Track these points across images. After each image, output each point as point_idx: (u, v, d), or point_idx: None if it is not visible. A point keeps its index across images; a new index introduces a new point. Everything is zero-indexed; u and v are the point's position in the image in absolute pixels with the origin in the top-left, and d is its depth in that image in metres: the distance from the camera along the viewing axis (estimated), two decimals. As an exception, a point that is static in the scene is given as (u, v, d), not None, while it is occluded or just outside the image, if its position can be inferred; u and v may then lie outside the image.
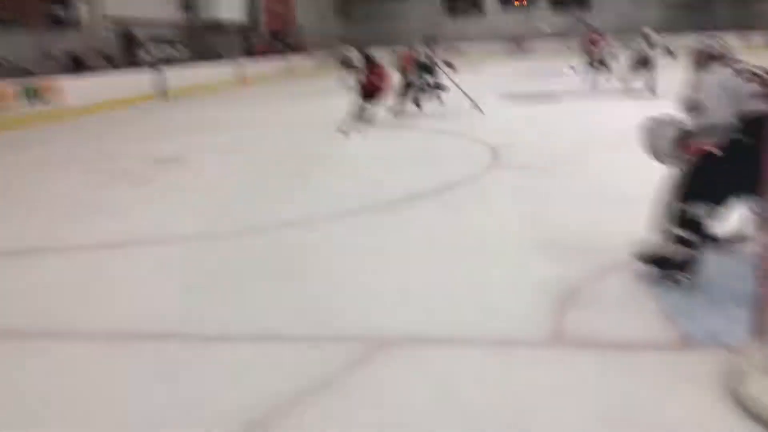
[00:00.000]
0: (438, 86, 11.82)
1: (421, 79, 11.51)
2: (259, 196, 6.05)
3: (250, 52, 26.35)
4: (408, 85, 11.50)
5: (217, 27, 25.22)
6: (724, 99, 3.11)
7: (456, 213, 5.08)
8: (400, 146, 8.47)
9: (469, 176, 6.29)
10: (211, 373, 2.78)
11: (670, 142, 3.30)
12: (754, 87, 3.10)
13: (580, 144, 7.76)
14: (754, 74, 3.16)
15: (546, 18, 37.69)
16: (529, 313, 3.15)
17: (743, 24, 29.54)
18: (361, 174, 6.80)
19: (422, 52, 11.62)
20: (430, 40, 12.16)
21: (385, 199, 5.56)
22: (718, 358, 2.58)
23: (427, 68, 11.58)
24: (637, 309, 3.11)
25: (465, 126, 9.62)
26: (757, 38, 27.12)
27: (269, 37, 29.34)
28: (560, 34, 36.38)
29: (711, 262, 3.42)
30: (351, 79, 9.99)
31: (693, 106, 3.22)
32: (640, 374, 2.59)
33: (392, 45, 36.72)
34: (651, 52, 12.56)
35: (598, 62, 16.28)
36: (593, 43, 18.62)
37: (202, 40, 23.75)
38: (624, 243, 3.62)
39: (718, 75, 3.24)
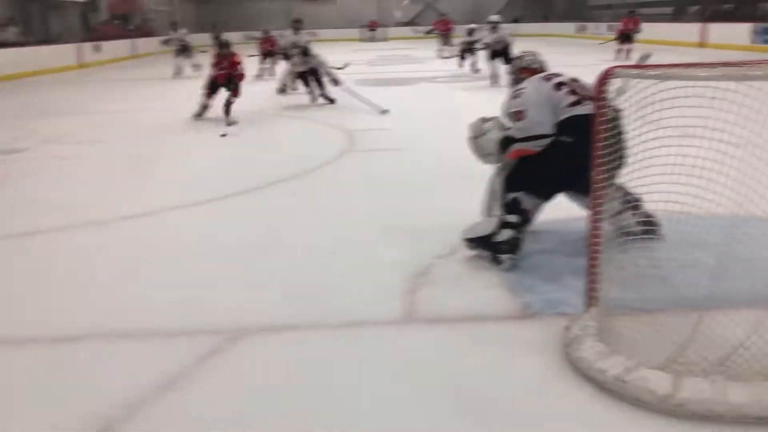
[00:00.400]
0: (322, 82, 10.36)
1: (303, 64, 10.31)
2: (101, 188, 5.69)
3: (91, 34, 24.64)
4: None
5: (54, 6, 23.34)
6: (544, 109, 3.38)
7: (307, 198, 5.07)
8: (255, 134, 8.29)
9: (323, 162, 6.28)
10: (59, 375, 2.60)
11: (494, 145, 3.54)
12: (570, 97, 3.39)
13: (433, 127, 7.99)
14: (567, 84, 3.46)
15: (398, 4, 38.42)
16: (380, 294, 3.19)
17: (579, 15, 31.76)
18: (210, 164, 6.60)
19: (290, 39, 10.70)
20: (298, 25, 10.88)
21: (232, 187, 5.42)
22: (557, 326, 2.75)
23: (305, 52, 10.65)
24: (482, 284, 3.24)
25: (323, 112, 9.58)
26: (591, 27, 29.19)
27: (111, 19, 27.59)
28: (412, 22, 37.28)
29: (550, 238, 3.64)
30: (189, 66, 9.70)
31: (515, 117, 3.44)
32: (487, 345, 2.70)
33: (248, 29, 35.93)
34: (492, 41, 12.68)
35: (449, 47, 17.13)
36: (445, 28, 19.40)
37: (37, 20, 21.91)
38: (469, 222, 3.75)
39: (536, 86, 3.50)
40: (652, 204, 2.89)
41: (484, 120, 3.70)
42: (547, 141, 3.34)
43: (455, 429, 2.18)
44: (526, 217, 3.42)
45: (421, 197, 4.90)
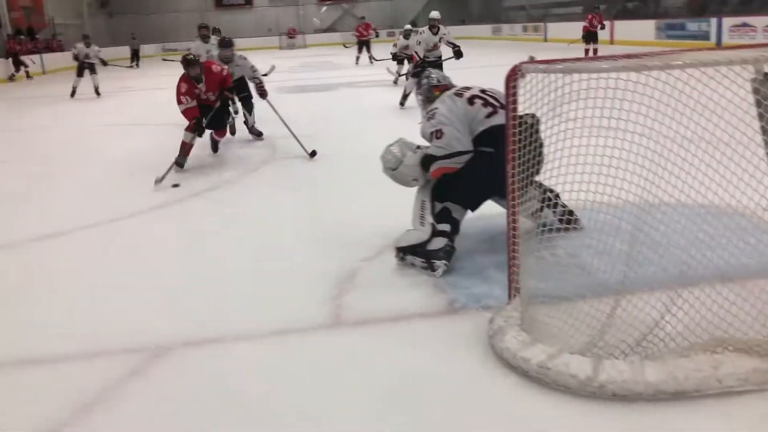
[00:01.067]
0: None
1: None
2: (4, 209, 5.43)
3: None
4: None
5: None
6: (461, 125, 3.42)
7: (229, 209, 4.99)
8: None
9: (244, 171, 6.19)
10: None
11: (414, 169, 3.55)
12: (485, 109, 3.45)
13: (354, 132, 7.99)
14: (480, 97, 3.51)
15: (315, 12, 38.37)
16: (306, 301, 3.17)
17: (494, 18, 32.49)
18: (124, 178, 6.38)
19: (199, 49, 8.47)
20: (206, 32, 9.35)
21: (150, 201, 5.28)
22: (482, 319, 2.79)
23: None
24: (408, 284, 3.27)
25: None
26: (506, 29, 29.95)
27: (16, 34, 26.36)
28: (331, 28, 37.30)
29: (473, 235, 3.70)
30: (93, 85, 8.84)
31: (434, 136, 3.45)
32: (415, 343, 2.72)
33: (165, 41, 34.90)
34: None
35: (366, 48, 17.24)
36: (362, 33, 19.53)
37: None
38: (398, 225, 3.74)
39: (449, 104, 3.52)
40: (567, 195, 2.98)
41: (390, 146, 3.69)
42: (467, 157, 3.38)
43: (387, 426, 2.18)
44: (456, 226, 3.45)
45: (344, 202, 4.89)
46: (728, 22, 15.86)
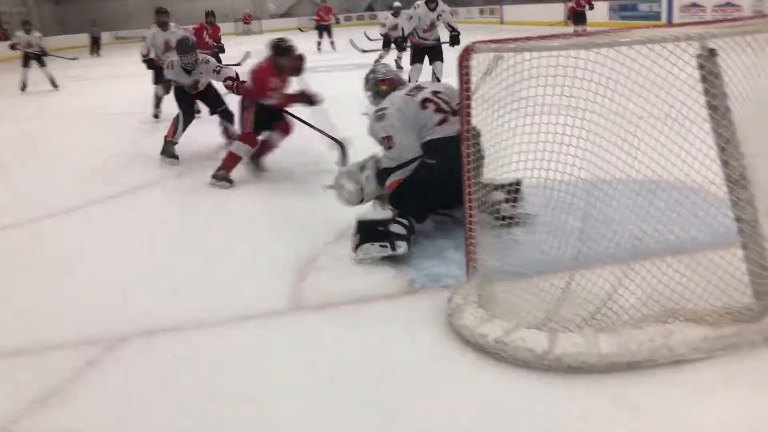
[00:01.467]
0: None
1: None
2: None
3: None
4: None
5: None
6: (411, 131, 3.40)
7: (188, 198, 4.92)
8: (116, 139, 7.93)
9: (207, 160, 6.10)
10: None
11: (375, 188, 3.56)
12: (437, 115, 3.42)
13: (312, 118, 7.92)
14: (432, 100, 3.46)
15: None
16: (268, 286, 3.15)
17: (452, 1, 32.38)
18: (84, 168, 6.24)
19: (158, 38, 7.98)
20: (164, 17, 8.10)
21: (109, 190, 5.17)
22: (441, 298, 2.81)
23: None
24: (369, 266, 3.26)
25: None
26: (462, 12, 29.96)
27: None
28: (287, 13, 36.88)
29: (432, 218, 3.72)
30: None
31: (385, 144, 3.44)
32: (376, 324, 2.74)
33: (117, 29, 33.94)
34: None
35: (327, 33, 17.00)
36: (322, 18, 19.22)
37: None
38: (359, 210, 3.70)
39: (400, 105, 3.47)
40: (521, 173, 3.01)
41: (340, 184, 3.66)
42: (416, 163, 3.38)
43: (349, 406, 2.19)
44: (412, 228, 3.39)
45: (303, 188, 4.84)
46: (679, 2, 16.16)
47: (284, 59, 4.97)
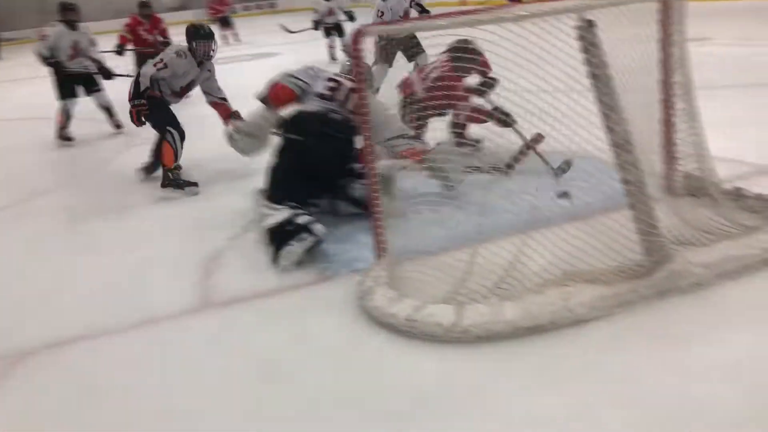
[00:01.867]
0: None
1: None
2: None
3: None
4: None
5: None
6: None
7: (86, 203, 4.72)
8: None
9: (102, 163, 5.87)
10: None
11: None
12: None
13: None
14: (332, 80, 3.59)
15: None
16: (174, 286, 3.09)
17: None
18: None
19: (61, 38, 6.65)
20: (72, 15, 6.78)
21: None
22: (354, 283, 2.82)
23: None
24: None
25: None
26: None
27: None
28: (184, 6, 35.75)
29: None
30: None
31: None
32: (288, 314, 2.73)
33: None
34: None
35: (220, 22, 16.33)
36: (217, 10, 18.55)
37: None
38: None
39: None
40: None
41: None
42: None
43: (265, 398, 2.18)
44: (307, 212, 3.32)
45: (203, 184, 4.68)
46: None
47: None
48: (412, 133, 3.50)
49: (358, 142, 3.10)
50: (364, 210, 3.08)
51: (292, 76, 3.66)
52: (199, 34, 4.80)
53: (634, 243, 2.55)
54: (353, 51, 2.68)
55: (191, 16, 31.24)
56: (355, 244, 3.27)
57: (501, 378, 2.14)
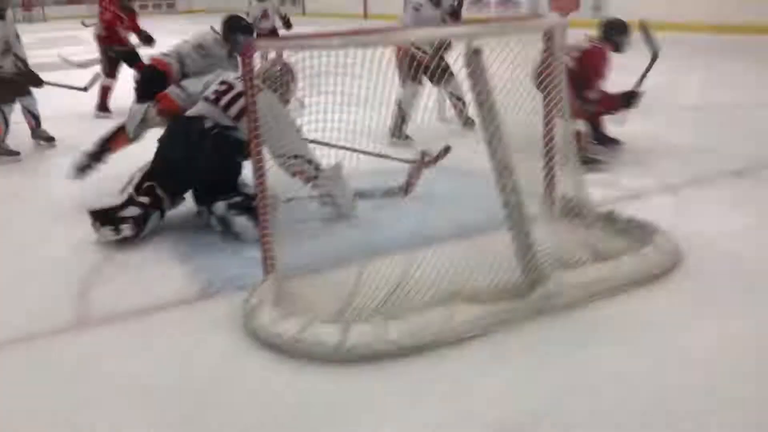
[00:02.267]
0: None
1: None
2: None
3: None
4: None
5: None
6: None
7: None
8: None
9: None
10: None
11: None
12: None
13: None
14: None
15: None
16: (48, 302, 2.92)
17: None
18: None
19: None
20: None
21: None
22: (239, 300, 2.76)
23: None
24: (160, 273, 3.16)
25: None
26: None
27: None
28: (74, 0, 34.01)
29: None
30: None
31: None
32: (170, 333, 2.64)
33: None
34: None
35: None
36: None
37: None
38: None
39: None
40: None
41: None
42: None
43: (137, 422, 2.09)
44: (159, 203, 3.50)
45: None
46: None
47: None
48: (311, 156, 3.36)
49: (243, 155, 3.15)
50: (227, 231, 3.38)
51: (179, 86, 3.83)
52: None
53: (514, 263, 2.65)
54: (244, 64, 2.65)
55: (85, 10, 29.80)
56: (242, 259, 3.21)
57: (378, 399, 2.16)
